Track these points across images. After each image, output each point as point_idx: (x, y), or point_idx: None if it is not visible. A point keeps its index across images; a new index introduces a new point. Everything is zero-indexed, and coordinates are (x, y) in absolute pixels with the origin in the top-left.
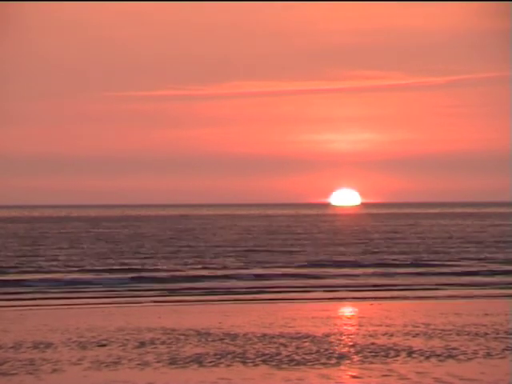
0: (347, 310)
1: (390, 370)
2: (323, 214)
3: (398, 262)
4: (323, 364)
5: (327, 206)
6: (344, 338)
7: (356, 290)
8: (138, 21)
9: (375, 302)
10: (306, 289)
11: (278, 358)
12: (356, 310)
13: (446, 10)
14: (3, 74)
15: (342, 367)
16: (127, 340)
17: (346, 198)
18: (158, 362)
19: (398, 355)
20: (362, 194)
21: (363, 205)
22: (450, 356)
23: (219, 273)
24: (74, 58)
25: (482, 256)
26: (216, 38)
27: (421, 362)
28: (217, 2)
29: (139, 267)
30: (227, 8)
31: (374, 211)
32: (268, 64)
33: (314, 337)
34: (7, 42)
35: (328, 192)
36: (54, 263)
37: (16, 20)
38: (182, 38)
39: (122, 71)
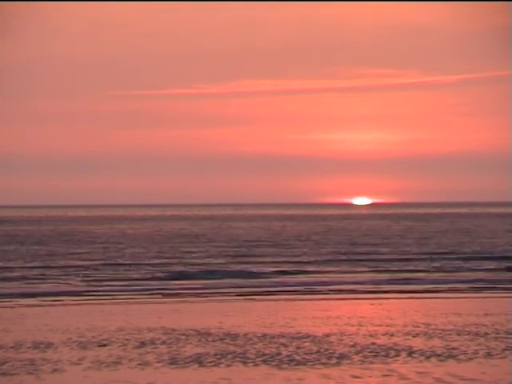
0: (348, 310)
1: (390, 370)
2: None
3: None
4: (324, 364)
5: (351, 206)
6: (344, 337)
7: None
8: (145, 19)
9: (376, 302)
10: None
11: (278, 357)
12: (356, 309)
13: (460, 8)
14: (3, 73)
15: (343, 367)
16: (127, 340)
17: (356, 197)
18: (159, 361)
19: (398, 355)
20: (371, 193)
21: (374, 205)
22: (451, 356)
23: None
24: (80, 57)
25: None
26: (223, 37)
27: (421, 361)
28: (224, 2)
29: None
30: (235, 6)
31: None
32: (280, 62)
33: (315, 337)
34: (5, 41)
35: (338, 191)
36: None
37: (15, 19)
38: (189, 37)
39: (129, 70)
